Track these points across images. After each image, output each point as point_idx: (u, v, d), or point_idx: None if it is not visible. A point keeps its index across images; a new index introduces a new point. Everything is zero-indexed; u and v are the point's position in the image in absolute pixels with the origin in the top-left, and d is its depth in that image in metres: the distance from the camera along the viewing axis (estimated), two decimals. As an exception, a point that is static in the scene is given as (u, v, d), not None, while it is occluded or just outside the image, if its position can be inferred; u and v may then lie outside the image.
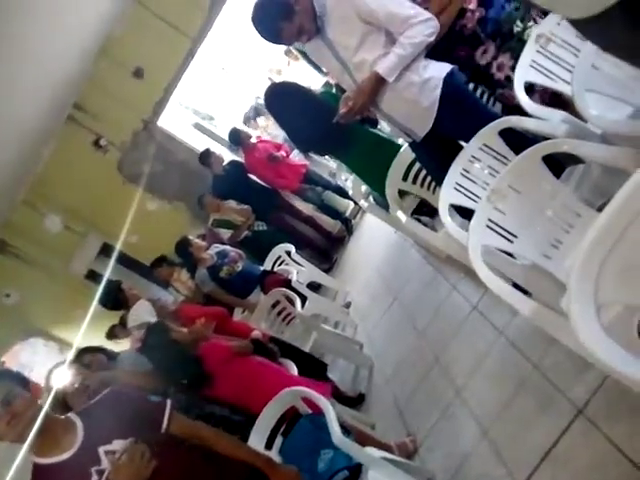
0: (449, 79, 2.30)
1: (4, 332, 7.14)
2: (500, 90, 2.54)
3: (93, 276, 7.45)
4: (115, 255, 7.43)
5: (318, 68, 5.66)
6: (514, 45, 2.53)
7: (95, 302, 4.36)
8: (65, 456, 1.77)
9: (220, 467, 1.88)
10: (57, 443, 1.78)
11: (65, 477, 1.76)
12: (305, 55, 5.83)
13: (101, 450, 1.78)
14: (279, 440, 2.37)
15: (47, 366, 2.68)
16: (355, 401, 3.48)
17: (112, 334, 4.24)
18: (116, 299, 4.22)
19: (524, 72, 2.25)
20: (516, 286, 1.77)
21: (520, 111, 2.25)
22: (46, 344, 7.71)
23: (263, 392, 2.53)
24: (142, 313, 3.86)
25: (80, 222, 7.24)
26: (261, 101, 6.73)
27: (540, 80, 2.23)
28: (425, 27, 2.28)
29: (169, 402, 1.95)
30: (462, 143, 2.38)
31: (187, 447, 1.89)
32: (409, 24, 2.28)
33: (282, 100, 3.63)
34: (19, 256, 7.30)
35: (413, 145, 2.63)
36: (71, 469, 1.76)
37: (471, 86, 2.69)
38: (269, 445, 2.35)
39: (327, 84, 5.57)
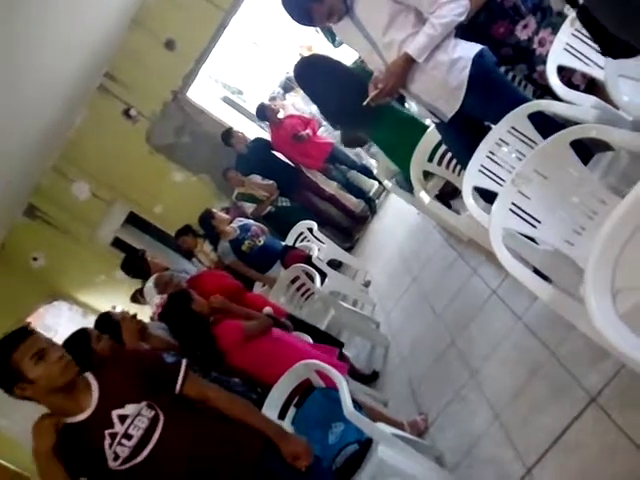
0: (478, 59, 2.26)
1: (30, 294, 7.33)
2: (541, 66, 2.47)
3: (119, 244, 7.59)
4: (141, 224, 7.58)
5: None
6: (555, 20, 2.48)
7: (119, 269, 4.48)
8: (81, 417, 1.82)
9: (232, 433, 1.89)
10: (76, 403, 1.83)
11: (80, 437, 1.81)
12: (330, 34, 5.78)
13: (114, 414, 1.82)
14: (292, 411, 2.41)
15: (71, 329, 2.76)
16: (369, 378, 3.51)
17: (135, 298, 4.35)
18: (139, 268, 4.30)
19: (557, 55, 2.21)
20: (537, 272, 1.76)
21: (552, 95, 2.22)
22: (70, 308, 7.89)
23: (280, 365, 2.56)
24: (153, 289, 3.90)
25: (107, 190, 7.34)
26: (291, 76, 6.70)
27: (573, 64, 2.19)
28: (455, 6, 2.24)
29: (184, 362, 1.95)
30: (490, 125, 2.35)
31: (199, 411, 1.90)
32: (439, 3, 2.24)
33: (313, 72, 3.61)
34: (47, 221, 7.45)
35: (440, 126, 2.61)
36: (87, 430, 1.81)
37: (502, 69, 2.64)
38: (282, 416, 2.40)
39: (359, 60, 5.51)
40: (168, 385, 1.89)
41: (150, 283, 3.80)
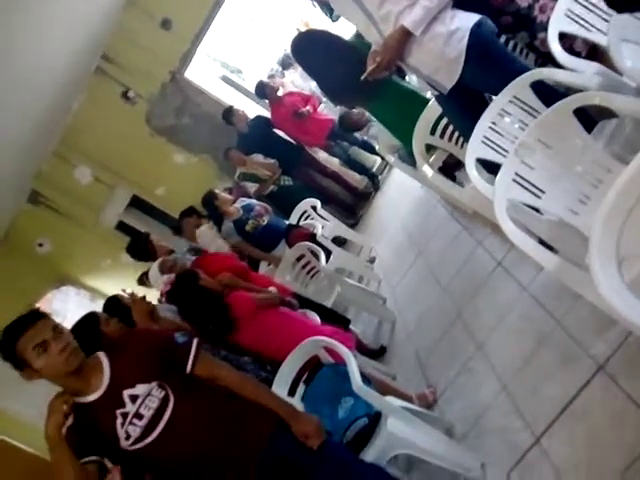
0: (476, 29, 2.22)
1: (38, 280, 7.37)
2: (543, 34, 2.42)
3: (123, 227, 7.60)
4: (144, 207, 7.58)
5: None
6: None
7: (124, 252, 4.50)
8: (93, 397, 1.84)
9: (243, 412, 1.89)
10: (87, 383, 1.84)
11: (93, 417, 1.83)
12: (327, 8, 5.69)
13: (125, 394, 1.83)
14: (301, 388, 2.43)
15: (79, 314, 2.78)
16: (377, 353, 3.54)
17: (142, 281, 4.37)
18: (144, 251, 4.32)
19: (559, 22, 2.17)
20: (542, 242, 1.76)
21: (554, 63, 2.18)
22: (78, 292, 7.94)
23: (288, 341, 2.58)
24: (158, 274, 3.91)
25: (109, 174, 7.32)
26: (289, 53, 6.62)
27: (575, 30, 2.15)
28: None
29: (195, 341, 1.95)
30: (491, 97, 2.32)
31: (210, 390, 1.90)
32: None
33: (311, 47, 3.56)
34: (51, 207, 7.46)
35: (440, 98, 2.58)
36: (98, 410, 1.83)
37: (503, 39, 2.60)
38: (292, 393, 2.42)
39: (358, 34, 5.44)
40: (179, 365, 1.89)
41: (155, 268, 3.81)
